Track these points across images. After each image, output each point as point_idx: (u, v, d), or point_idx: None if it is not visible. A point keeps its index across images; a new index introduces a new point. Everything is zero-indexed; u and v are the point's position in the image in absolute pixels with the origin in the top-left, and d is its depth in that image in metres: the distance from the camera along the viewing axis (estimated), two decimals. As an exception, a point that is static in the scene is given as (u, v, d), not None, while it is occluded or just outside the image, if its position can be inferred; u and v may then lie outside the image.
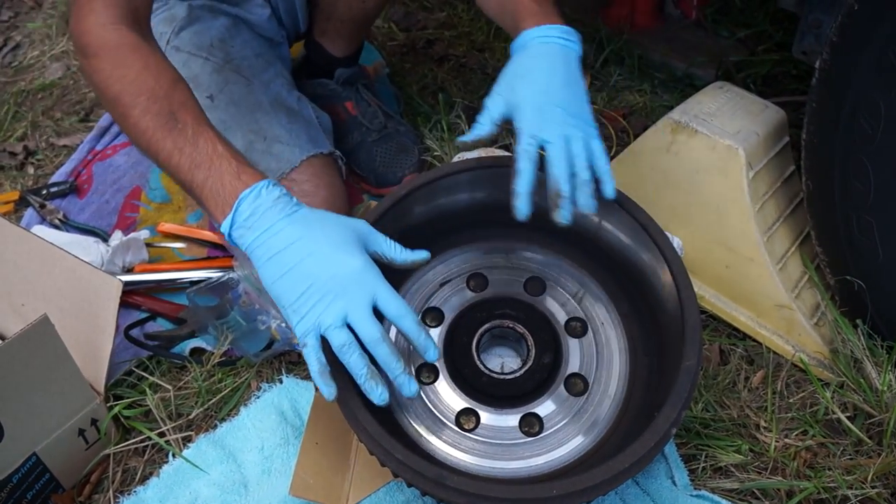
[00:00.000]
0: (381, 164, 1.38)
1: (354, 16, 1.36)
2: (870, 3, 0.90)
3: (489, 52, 1.75)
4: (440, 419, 0.89)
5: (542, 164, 0.87)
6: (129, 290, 1.17)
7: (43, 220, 1.34)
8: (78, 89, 1.67)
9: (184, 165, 0.82)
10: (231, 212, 0.77)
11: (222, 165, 0.80)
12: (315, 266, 0.75)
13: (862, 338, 1.02)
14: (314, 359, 0.74)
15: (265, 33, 1.33)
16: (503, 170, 0.98)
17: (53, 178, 1.43)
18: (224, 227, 0.78)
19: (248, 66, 1.25)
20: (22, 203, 1.39)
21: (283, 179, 1.16)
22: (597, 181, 0.89)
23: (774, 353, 1.09)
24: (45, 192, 1.38)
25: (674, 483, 0.93)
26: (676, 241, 1.15)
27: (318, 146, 1.22)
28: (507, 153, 1.37)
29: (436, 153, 1.41)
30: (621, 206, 0.93)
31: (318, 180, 1.19)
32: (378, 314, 0.76)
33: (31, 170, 1.49)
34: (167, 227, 1.31)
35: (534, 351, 0.93)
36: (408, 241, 1.01)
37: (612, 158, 1.31)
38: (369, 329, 0.74)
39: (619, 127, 1.52)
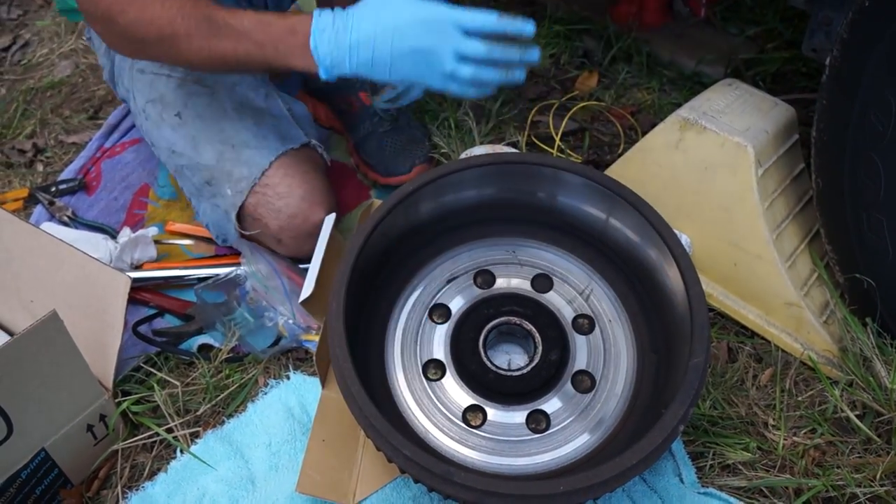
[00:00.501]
0: (391, 154, 1.38)
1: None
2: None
3: (497, 49, 1.75)
4: (447, 415, 0.89)
5: None
6: (138, 286, 1.18)
7: (52, 218, 1.35)
8: (87, 87, 1.68)
9: (253, 52, 0.95)
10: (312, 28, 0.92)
11: (274, 26, 0.93)
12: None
13: (871, 336, 1.01)
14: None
15: None
16: (510, 166, 0.98)
17: (62, 176, 1.44)
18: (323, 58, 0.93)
19: (209, 75, 1.22)
20: (31, 200, 1.39)
21: (257, 185, 1.13)
22: None
23: (783, 351, 1.09)
24: (54, 189, 1.39)
25: (681, 480, 0.92)
26: (685, 239, 1.14)
27: (289, 142, 1.18)
28: (514, 150, 1.36)
29: (443, 150, 1.41)
30: (629, 202, 0.93)
31: (292, 179, 1.14)
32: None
33: (40, 167, 1.50)
34: (175, 226, 1.31)
35: (541, 348, 0.92)
36: (415, 238, 1.01)
37: (619, 156, 1.31)
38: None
39: (627, 125, 1.52)
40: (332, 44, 0.93)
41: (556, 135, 1.46)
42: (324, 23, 0.93)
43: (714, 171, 1.11)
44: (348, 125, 1.45)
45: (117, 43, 1.04)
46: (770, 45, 1.69)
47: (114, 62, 1.32)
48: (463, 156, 1.32)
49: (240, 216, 1.17)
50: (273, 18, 0.95)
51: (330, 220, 1.11)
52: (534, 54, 0.97)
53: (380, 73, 0.93)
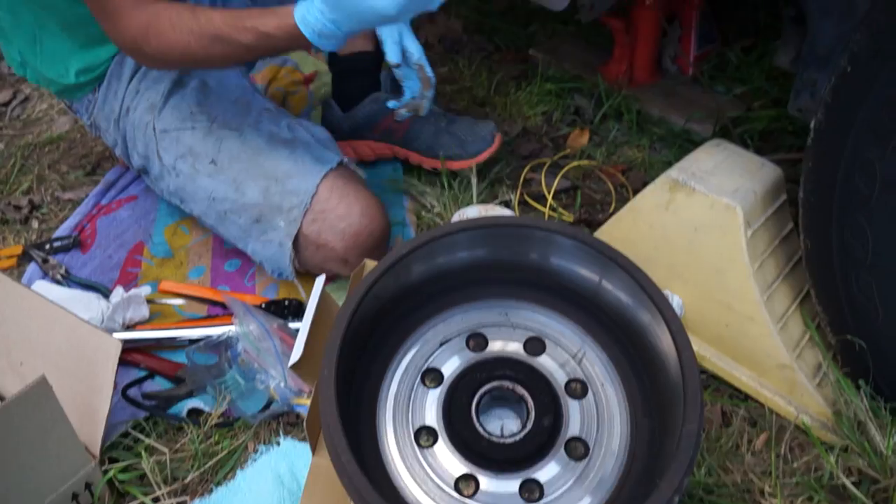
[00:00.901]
0: (468, 138, 1.47)
1: None
2: (863, 65, 0.91)
3: (490, 106, 1.78)
4: (439, 484, 0.88)
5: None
6: (129, 347, 1.17)
7: (45, 276, 1.35)
8: (85, 143, 1.69)
9: (260, 50, 1.09)
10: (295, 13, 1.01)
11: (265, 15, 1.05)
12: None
13: (865, 399, 1.01)
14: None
15: (231, 71, 1.37)
16: (503, 229, 0.98)
17: (57, 233, 1.44)
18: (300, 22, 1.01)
19: (231, 118, 1.27)
20: (25, 258, 1.39)
21: (315, 212, 1.19)
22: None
23: (777, 414, 1.08)
24: (48, 246, 1.39)
25: (677, 550, 0.91)
26: (677, 300, 1.15)
27: (325, 163, 1.23)
28: (506, 210, 1.37)
29: (436, 210, 1.42)
30: (620, 265, 0.93)
31: (348, 198, 1.21)
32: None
33: (35, 224, 1.50)
34: (168, 285, 1.31)
35: (534, 413, 0.92)
36: (407, 300, 1.01)
37: (611, 215, 1.33)
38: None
39: (619, 182, 1.53)
40: (310, 21, 1.01)
41: (549, 193, 1.48)
42: (301, 13, 1.02)
43: (704, 232, 1.12)
44: (408, 138, 1.51)
45: (150, 64, 1.22)
46: (757, 104, 1.72)
47: (125, 135, 1.34)
48: (455, 217, 1.33)
49: (299, 245, 1.21)
50: (267, 18, 1.05)
51: (320, 281, 1.11)
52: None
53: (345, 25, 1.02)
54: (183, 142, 1.26)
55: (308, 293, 1.18)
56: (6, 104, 1.85)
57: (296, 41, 1.03)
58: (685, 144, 1.63)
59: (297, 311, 1.23)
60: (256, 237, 1.24)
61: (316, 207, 1.20)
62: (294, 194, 1.20)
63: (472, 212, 1.32)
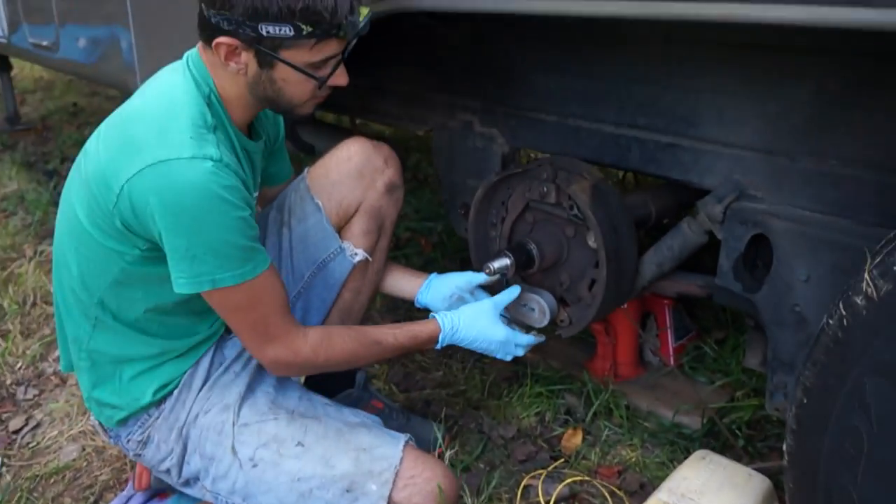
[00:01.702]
0: (419, 431, 1.62)
1: None
2: (816, 399, 0.99)
3: (484, 410, 1.85)
4: None
5: None
6: None
7: None
8: (90, 471, 1.73)
9: (407, 346, 1.44)
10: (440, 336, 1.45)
11: (415, 329, 1.45)
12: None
13: None
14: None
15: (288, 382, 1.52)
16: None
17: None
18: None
19: (304, 409, 1.42)
20: None
21: (399, 479, 1.32)
22: None
23: None
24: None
25: None
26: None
27: (398, 437, 1.38)
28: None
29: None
30: None
31: (428, 462, 1.37)
32: None
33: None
34: None
35: None
36: None
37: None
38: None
39: (616, 483, 1.55)
40: (447, 340, 1.46)
41: (547, 504, 1.48)
42: (444, 333, 1.45)
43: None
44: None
45: (299, 374, 1.53)
46: (739, 393, 1.79)
47: (186, 441, 1.40)
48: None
49: None
50: (417, 330, 1.44)
51: None
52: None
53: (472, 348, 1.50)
54: (266, 431, 1.36)
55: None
56: (17, 431, 1.91)
57: (430, 346, 1.45)
58: (676, 441, 1.67)
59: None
60: None
61: (405, 474, 1.33)
62: (384, 459, 1.33)
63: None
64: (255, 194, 1.46)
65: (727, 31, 0.99)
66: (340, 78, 1.29)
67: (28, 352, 2.21)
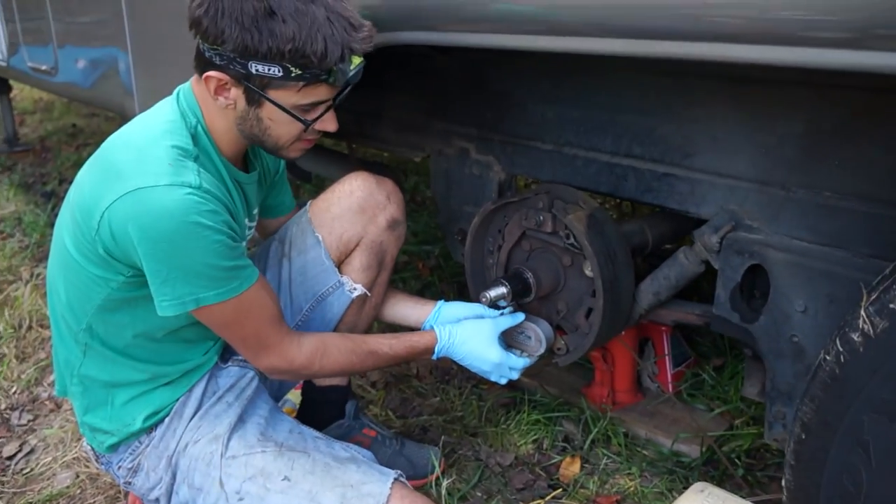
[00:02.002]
0: (414, 457, 1.67)
1: None
2: (814, 434, 0.99)
3: (482, 437, 1.84)
4: None
5: None
6: None
7: None
8: (84, 499, 1.71)
9: (403, 355, 1.48)
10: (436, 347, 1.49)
11: (412, 339, 1.49)
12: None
13: None
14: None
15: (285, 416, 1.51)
16: None
17: None
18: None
19: (294, 442, 1.38)
20: None
21: None
22: None
23: None
24: None
25: None
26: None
27: (387, 474, 1.33)
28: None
29: None
30: None
31: (416, 499, 1.31)
32: None
33: None
34: None
35: None
36: None
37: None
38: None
39: (614, 514, 1.54)
40: (442, 351, 1.50)
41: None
42: (441, 344, 1.49)
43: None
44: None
45: (296, 380, 1.64)
46: (738, 421, 1.78)
47: (175, 470, 1.38)
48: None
49: None
50: (414, 340, 1.48)
51: None
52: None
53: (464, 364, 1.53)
54: (253, 464, 1.33)
55: None
56: (11, 458, 1.90)
57: (426, 356, 1.50)
58: (675, 469, 1.66)
59: None
60: None
61: None
62: (370, 496, 1.28)
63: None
64: (250, 224, 1.46)
65: (719, 64, 1.00)
66: (328, 123, 1.30)
67: (23, 376, 2.20)
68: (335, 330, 1.56)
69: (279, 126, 1.27)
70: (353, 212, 1.53)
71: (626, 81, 1.48)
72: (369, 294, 1.57)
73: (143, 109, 2.35)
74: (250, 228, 1.46)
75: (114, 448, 1.42)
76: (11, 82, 4.64)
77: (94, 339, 1.35)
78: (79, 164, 1.77)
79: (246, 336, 1.31)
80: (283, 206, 1.64)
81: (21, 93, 6.17)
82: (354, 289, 1.54)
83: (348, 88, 1.27)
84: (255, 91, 1.21)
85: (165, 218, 1.15)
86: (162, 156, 1.19)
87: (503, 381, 1.54)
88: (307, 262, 1.54)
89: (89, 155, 1.33)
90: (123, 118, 2.10)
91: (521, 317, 1.56)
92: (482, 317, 1.57)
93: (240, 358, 1.46)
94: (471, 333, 1.49)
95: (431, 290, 2.55)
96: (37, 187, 4.01)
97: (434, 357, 1.49)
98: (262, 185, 1.51)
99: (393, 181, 1.59)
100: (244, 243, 1.37)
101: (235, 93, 1.23)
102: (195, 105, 1.29)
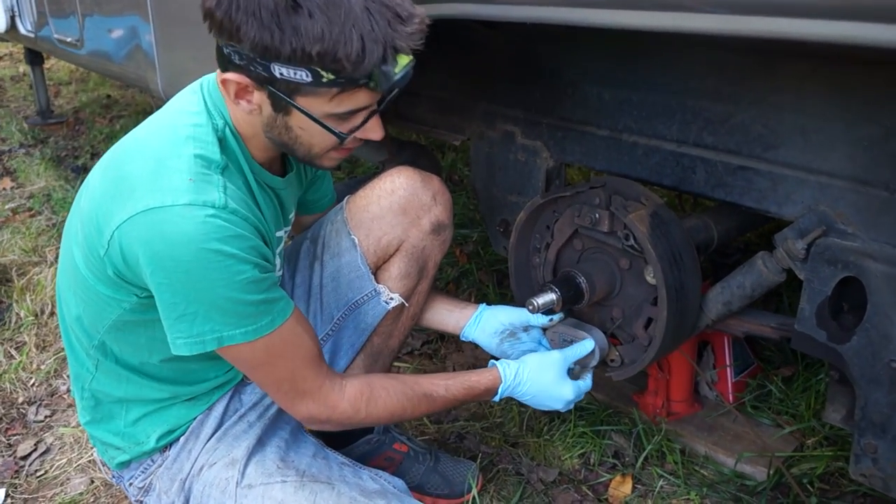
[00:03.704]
0: (453, 476, 1.51)
1: None
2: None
3: (522, 447, 1.69)
4: None
5: None
6: None
7: None
8: (97, 506, 1.62)
9: (461, 398, 1.29)
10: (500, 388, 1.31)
11: (471, 380, 1.30)
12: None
13: None
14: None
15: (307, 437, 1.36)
16: None
17: None
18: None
19: (317, 470, 1.24)
20: None
21: None
22: None
23: None
24: None
25: None
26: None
27: (407, 498, 1.24)
28: None
29: None
30: None
31: None
32: None
33: None
34: None
35: None
36: None
37: None
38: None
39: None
40: (506, 392, 1.32)
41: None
42: (505, 384, 1.30)
43: None
44: (398, 475, 1.50)
45: (338, 429, 1.32)
46: (810, 441, 1.60)
47: (189, 495, 1.27)
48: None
49: None
50: (473, 381, 1.29)
51: None
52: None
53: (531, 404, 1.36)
54: (272, 496, 1.19)
55: None
56: (25, 458, 1.81)
57: (487, 398, 1.32)
58: (740, 495, 1.49)
59: None
60: None
61: None
62: None
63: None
64: (285, 230, 1.31)
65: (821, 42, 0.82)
66: (373, 132, 1.12)
67: (43, 367, 2.11)
68: (368, 340, 1.41)
69: (311, 136, 1.09)
70: (394, 213, 1.36)
71: (698, 60, 1.28)
72: (407, 304, 1.41)
73: (165, 84, 2.25)
74: (284, 237, 1.31)
75: (125, 465, 1.31)
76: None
77: (107, 357, 1.23)
78: (111, 138, 1.64)
79: (280, 379, 1.15)
80: (322, 202, 1.48)
81: (57, 62, 6.11)
82: (391, 298, 1.38)
83: (394, 93, 1.07)
84: (282, 97, 1.02)
85: (182, 244, 0.98)
86: (183, 168, 1.02)
87: (565, 410, 1.38)
88: (341, 266, 1.38)
89: (122, 128, 1.19)
90: (147, 92, 1.97)
91: (590, 346, 1.38)
92: (530, 325, 1.42)
93: None
94: (538, 370, 1.31)
95: (468, 279, 2.39)
96: (68, 161, 3.93)
97: (496, 399, 1.32)
98: (301, 183, 1.36)
99: (439, 179, 1.41)
100: (278, 261, 1.21)
101: (259, 97, 1.05)
102: (222, 103, 1.12)
